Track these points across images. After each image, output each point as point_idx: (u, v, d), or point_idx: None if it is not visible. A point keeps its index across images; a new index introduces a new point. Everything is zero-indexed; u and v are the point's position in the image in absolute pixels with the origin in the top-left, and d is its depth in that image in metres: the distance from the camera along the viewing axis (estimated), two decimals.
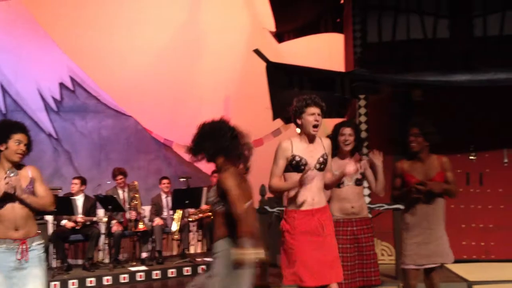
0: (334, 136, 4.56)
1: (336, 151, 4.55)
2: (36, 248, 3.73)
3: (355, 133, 4.58)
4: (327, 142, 4.08)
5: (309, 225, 3.87)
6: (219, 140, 3.67)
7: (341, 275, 3.96)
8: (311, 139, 3.97)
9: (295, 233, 3.87)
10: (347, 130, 4.56)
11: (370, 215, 6.76)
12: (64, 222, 7.75)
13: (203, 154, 3.75)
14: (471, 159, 7.41)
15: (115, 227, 8.00)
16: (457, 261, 6.59)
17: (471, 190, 7.42)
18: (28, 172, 3.77)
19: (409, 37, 7.68)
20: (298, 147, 3.93)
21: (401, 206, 5.31)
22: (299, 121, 3.96)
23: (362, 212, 4.56)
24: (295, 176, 3.88)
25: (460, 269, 6.65)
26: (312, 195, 3.91)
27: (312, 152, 3.94)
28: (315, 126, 3.90)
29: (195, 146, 3.77)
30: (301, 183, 3.77)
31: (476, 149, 7.38)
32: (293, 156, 3.89)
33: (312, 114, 3.90)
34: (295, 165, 3.90)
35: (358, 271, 4.45)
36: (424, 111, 6.70)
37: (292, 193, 3.94)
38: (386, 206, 6.22)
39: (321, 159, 3.94)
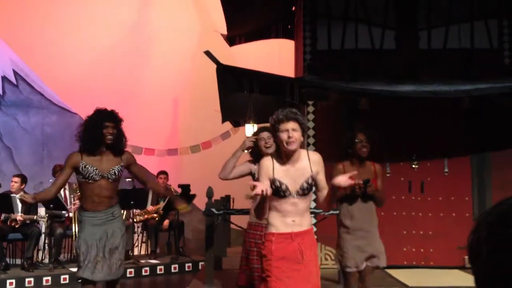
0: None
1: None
2: None
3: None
4: (315, 158, 3.61)
5: (287, 250, 3.51)
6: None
7: None
8: (292, 157, 3.54)
9: (272, 259, 3.50)
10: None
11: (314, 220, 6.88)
12: None
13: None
14: (413, 167, 7.64)
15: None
16: (397, 267, 6.78)
17: (413, 198, 7.64)
18: None
19: (357, 47, 7.87)
20: (278, 169, 3.52)
21: (333, 211, 5.41)
22: (277, 139, 3.55)
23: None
24: (274, 201, 3.51)
25: (400, 275, 6.83)
26: (292, 216, 3.52)
27: (295, 175, 3.53)
28: (288, 144, 3.46)
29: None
30: (255, 199, 3.34)
31: (418, 158, 7.62)
32: (273, 180, 3.49)
33: (284, 130, 3.47)
34: (275, 190, 3.48)
35: None
36: (369, 119, 6.86)
37: (270, 213, 3.57)
38: (331, 211, 6.32)
39: (304, 185, 3.52)
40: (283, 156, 3.55)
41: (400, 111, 7.56)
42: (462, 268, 7.21)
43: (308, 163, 3.57)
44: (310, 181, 3.54)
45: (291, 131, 3.45)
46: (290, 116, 3.49)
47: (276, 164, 3.54)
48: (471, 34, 7.80)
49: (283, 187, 3.48)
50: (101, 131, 4.34)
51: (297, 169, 3.54)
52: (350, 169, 4.57)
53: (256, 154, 4.58)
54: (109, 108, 4.53)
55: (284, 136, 3.46)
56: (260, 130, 4.70)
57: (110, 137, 4.36)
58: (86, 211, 4.42)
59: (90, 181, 4.36)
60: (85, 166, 4.36)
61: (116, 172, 4.43)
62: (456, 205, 7.59)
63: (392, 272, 6.83)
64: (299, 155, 3.56)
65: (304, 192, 3.52)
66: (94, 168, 4.35)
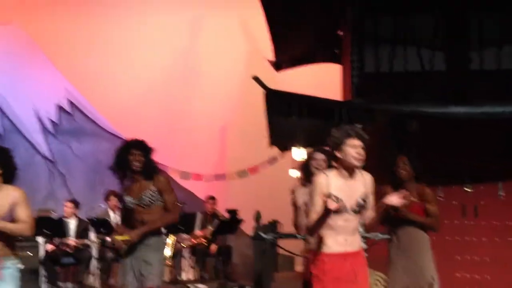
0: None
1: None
2: (11, 267, 3.69)
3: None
4: (368, 178, 3.61)
5: (340, 270, 3.51)
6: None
7: None
8: (350, 173, 3.53)
9: (325, 280, 3.50)
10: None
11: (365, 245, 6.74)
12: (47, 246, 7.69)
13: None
14: (467, 191, 7.41)
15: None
16: None
17: (466, 222, 7.41)
18: (12, 195, 3.67)
19: (406, 69, 7.76)
20: (335, 184, 3.48)
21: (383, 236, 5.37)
22: (338, 154, 3.51)
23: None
24: (330, 219, 3.48)
25: None
26: (345, 235, 3.52)
27: (351, 191, 3.52)
28: (357, 160, 3.47)
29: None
30: (327, 211, 3.39)
31: (472, 181, 7.39)
32: (329, 195, 3.45)
33: (353, 146, 3.48)
34: None
35: None
36: (420, 142, 6.73)
37: (322, 231, 3.54)
38: (381, 236, 6.18)
39: (360, 201, 3.53)
40: (342, 171, 3.54)
41: (451, 133, 7.38)
42: None
43: (363, 181, 3.58)
44: (365, 197, 3.54)
45: (360, 148, 3.49)
46: (360, 134, 3.55)
47: (332, 180, 3.52)
48: None
49: (340, 203, 3.46)
50: (128, 158, 4.41)
51: (353, 185, 3.54)
52: (392, 192, 4.52)
53: (308, 174, 4.59)
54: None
55: (352, 151, 3.47)
56: (316, 150, 4.73)
57: (136, 163, 4.41)
58: None
59: (128, 208, 4.49)
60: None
61: (146, 197, 4.42)
62: None
63: None
64: (355, 172, 3.56)
65: (359, 208, 3.52)
66: (129, 197, 4.45)
